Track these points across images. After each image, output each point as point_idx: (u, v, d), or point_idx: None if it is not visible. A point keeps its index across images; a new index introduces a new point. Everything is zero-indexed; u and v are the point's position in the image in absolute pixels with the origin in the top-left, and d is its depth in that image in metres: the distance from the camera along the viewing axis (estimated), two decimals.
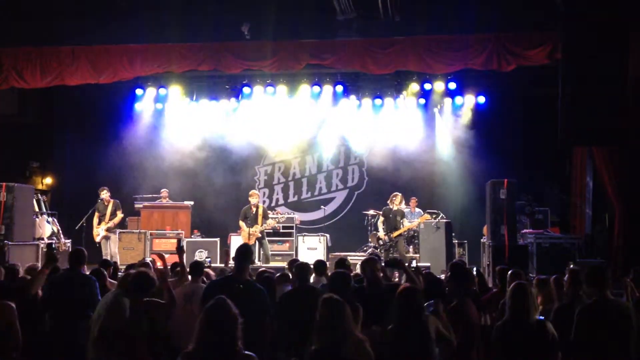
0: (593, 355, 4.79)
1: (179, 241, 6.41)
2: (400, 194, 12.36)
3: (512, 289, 4.81)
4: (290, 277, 6.86)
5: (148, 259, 7.98)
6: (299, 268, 5.85)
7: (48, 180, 16.06)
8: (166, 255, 12.08)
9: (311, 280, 6.60)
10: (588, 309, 4.89)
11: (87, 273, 6.41)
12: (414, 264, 7.77)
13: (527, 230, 11.98)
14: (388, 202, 12.35)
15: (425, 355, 4.56)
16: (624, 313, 4.83)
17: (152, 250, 12.77)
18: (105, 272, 6.70)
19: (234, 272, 5.51)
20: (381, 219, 12.45)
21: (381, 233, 12.27)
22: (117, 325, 4.97)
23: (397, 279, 8.35)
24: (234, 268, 5.54)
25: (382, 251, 11.94)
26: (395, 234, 12.07)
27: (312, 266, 6.76)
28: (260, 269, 7.40)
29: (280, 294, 5.98)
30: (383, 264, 6.46)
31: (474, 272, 7.69)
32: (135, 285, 5.13)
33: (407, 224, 12.38)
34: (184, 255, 6.50)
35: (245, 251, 5.58)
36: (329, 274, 6.73)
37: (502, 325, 4.76)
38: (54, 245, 6.43)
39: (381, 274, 5.99)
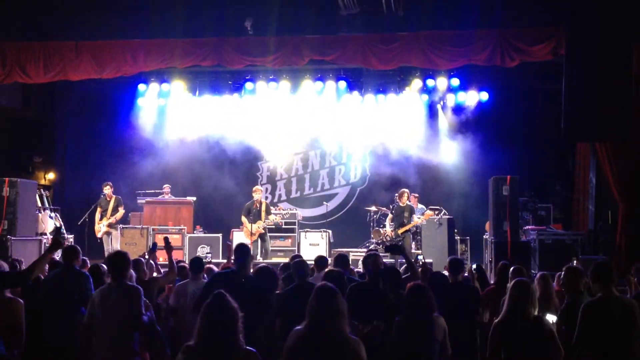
0: (598, 351, 4.77)
1: (167, 239, 6.58)
2: (407, 191, 12.35)
3: (512, 285, 4.79)
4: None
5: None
6: (297, 265, 5.90)
7: (51, 176, 16.08)
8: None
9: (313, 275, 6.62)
10: (593, 305, 4.87)
11: (87, 269, 6.43)
12: (420, 259, 7.74)
13: (529, 227, 11.96)
14: (396, 199, 12.33)
15: (427, 354, 4.55)
16: (629, 309, 4.81)
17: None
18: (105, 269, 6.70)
19: (236, 267, 5.64)
20: (390, 216, 12.45)
21: (388, 230, 12.25)
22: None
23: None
24: (236, 264, 5.66)
25: (383, 247, 11.91)
26: (402, 230, 12.04)
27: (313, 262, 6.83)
28: (260, 264, 7.41)
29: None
30: (384, 249, 6.46)
31: (474, 269, 7.68)
32: (110, 266, 5.22)
33: (415, 219, 12.34)
34: (172, 252, 6.65)
35: (246, 248, 5.80)
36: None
37: (499, 321, 4.74)
38: (62, 230, 6.40)
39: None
